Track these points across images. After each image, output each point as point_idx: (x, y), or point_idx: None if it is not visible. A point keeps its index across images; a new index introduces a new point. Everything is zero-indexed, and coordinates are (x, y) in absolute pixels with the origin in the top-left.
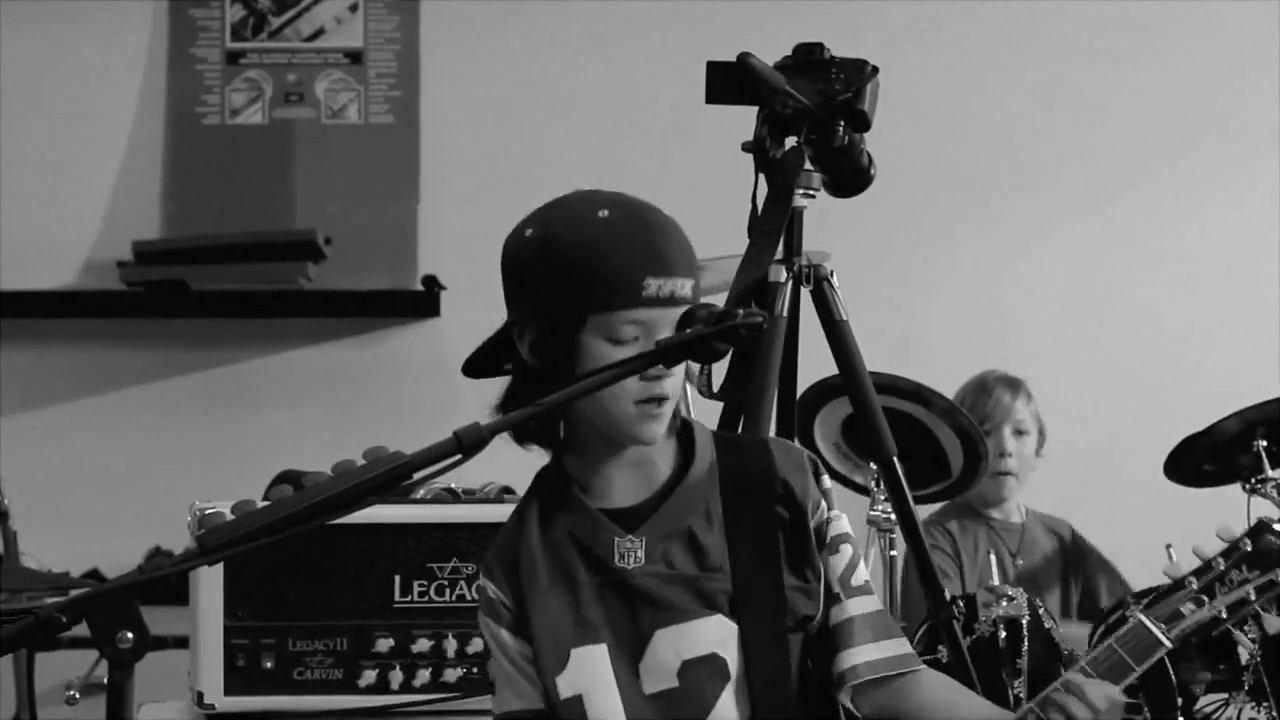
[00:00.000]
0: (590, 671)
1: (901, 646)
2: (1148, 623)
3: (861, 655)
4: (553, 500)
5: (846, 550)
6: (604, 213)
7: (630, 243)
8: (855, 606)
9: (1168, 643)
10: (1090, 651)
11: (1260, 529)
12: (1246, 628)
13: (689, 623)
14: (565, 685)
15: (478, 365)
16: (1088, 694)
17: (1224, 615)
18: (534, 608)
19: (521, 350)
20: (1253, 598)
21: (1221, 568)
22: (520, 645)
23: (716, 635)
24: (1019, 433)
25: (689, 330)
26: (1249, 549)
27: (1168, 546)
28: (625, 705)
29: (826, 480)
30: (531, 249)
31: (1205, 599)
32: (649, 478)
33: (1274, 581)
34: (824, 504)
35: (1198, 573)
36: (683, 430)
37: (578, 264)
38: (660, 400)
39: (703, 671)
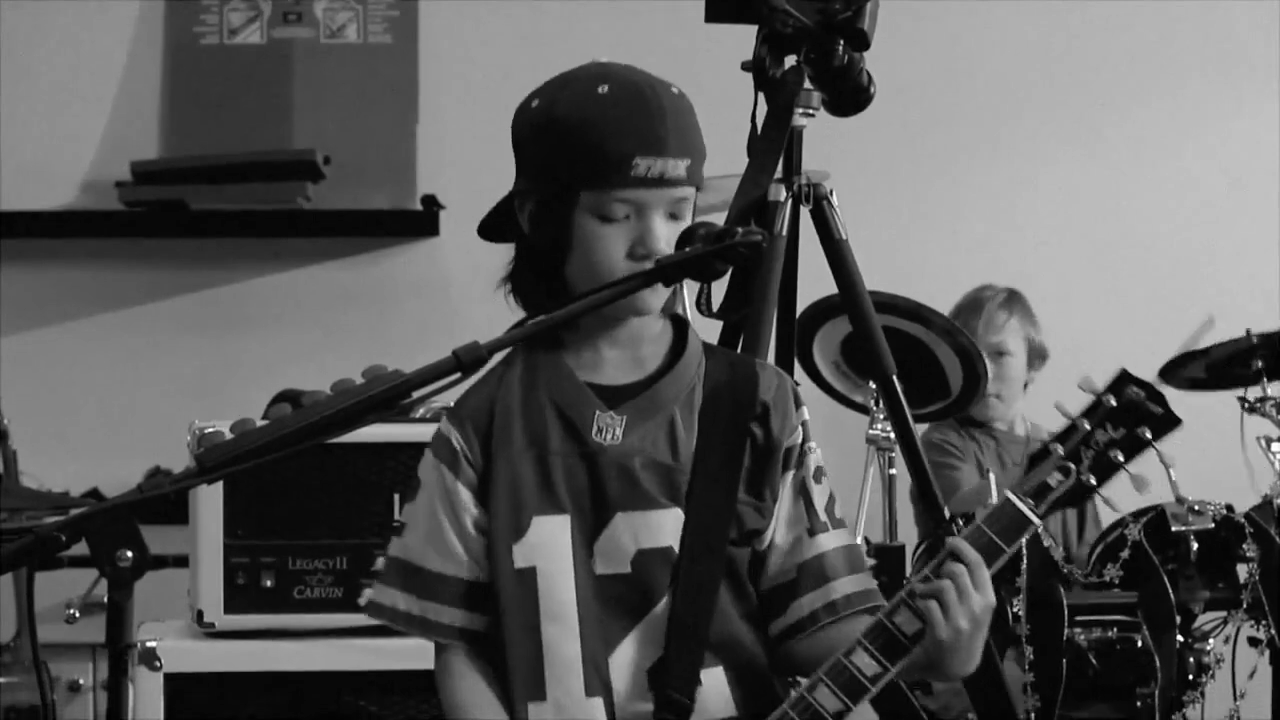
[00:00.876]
0: (549, 542)
1: (872, 581)
2: (1015, 500)
3: (850, 585)
4: (538, 364)
5: (826, 483)
6: (604, 88)
7: (623, 121)
8: (840, 539)
9: (1035, 519)
10: (961, 535)
11: (1122, 380)
12: (1245, 546)
13: (652, 511)
14: (520, 555)
15: (489, 228)
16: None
17: (1093, 482)
18: (499, 469)
19: (522, 221)
20: (1120, 460)
21: (1086, 428)
22: (477, 509)
23: (674, 529)
24: (999, 354)
25: (688, 249)
26: (1113, 404)
27: (1166, 466)
28: (576, 582)
29: (805, 412)
30: (533, 121)
31: (1071, 466)
32: (640, 361)
33: (1138, 439)
34: (800, 432)
35: (1062, 436)
36: (676, 324)
37: (571, 140)
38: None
39: (656, 563)
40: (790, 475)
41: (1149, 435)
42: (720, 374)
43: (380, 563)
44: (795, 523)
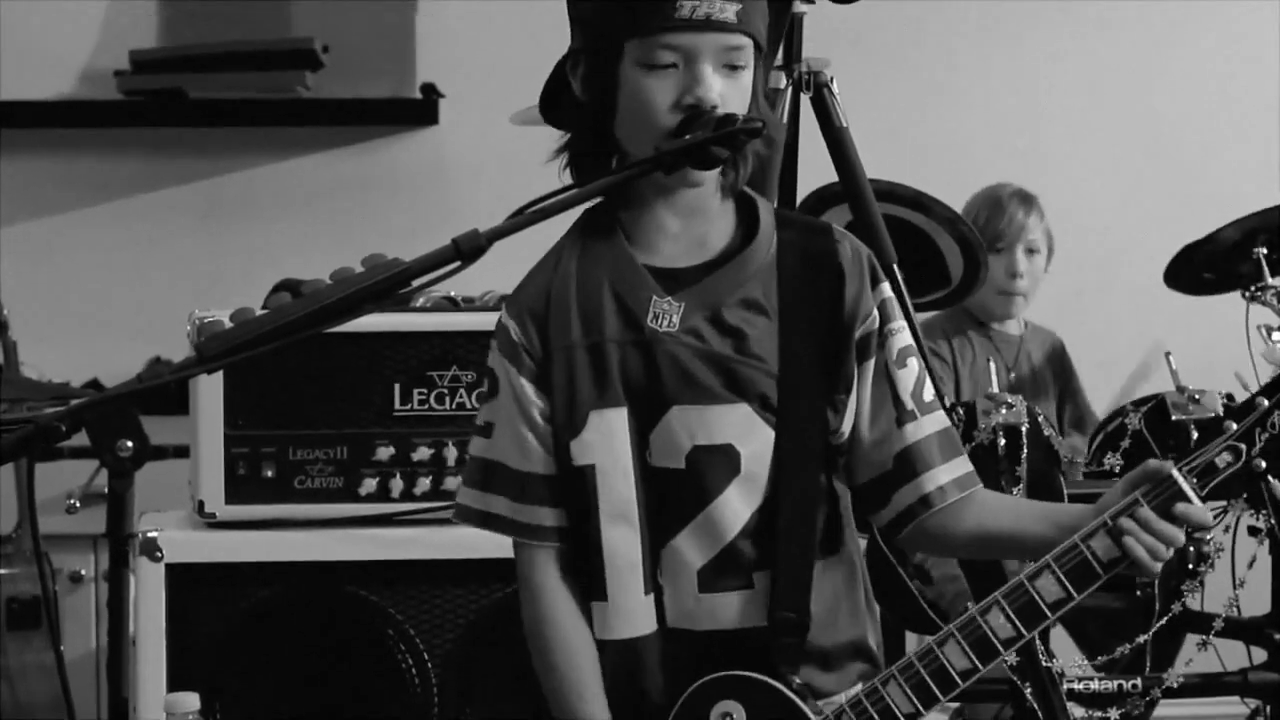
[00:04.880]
0: (606, 438)
1: (968, 463)
2: (1179, 479)
3: (945, 475)
4: (596, 246)
5: (914, 364)
6: None
7: None
8: (932, 424)
9: (1197, 501)
10: (1113, 500)
11: None
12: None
13: (710, 406)
14: (579, 451)
15: (550, 109)
16: (1155, 527)
17: (1263, 467)
18: (557, 361)
19: (575, 86)
20: None
21: (1264, 407)
22: (541, 400)
23: (736, 426)
24: (1031, 251)
25: (688, 136)
26: None
27: (1167, 354)
28: (635, 477)
29: (886, 288)
30: None
31: (1242, 447)
32: (701, 240)
33: None
34: (876, 315)
35: (1237, 412)
36: (742, 200)
37: None
38: None
39: (712, 461)
40: (871, 363)
41: None
42: (796, 245)
43: (467, 465)
44: (882, 413)
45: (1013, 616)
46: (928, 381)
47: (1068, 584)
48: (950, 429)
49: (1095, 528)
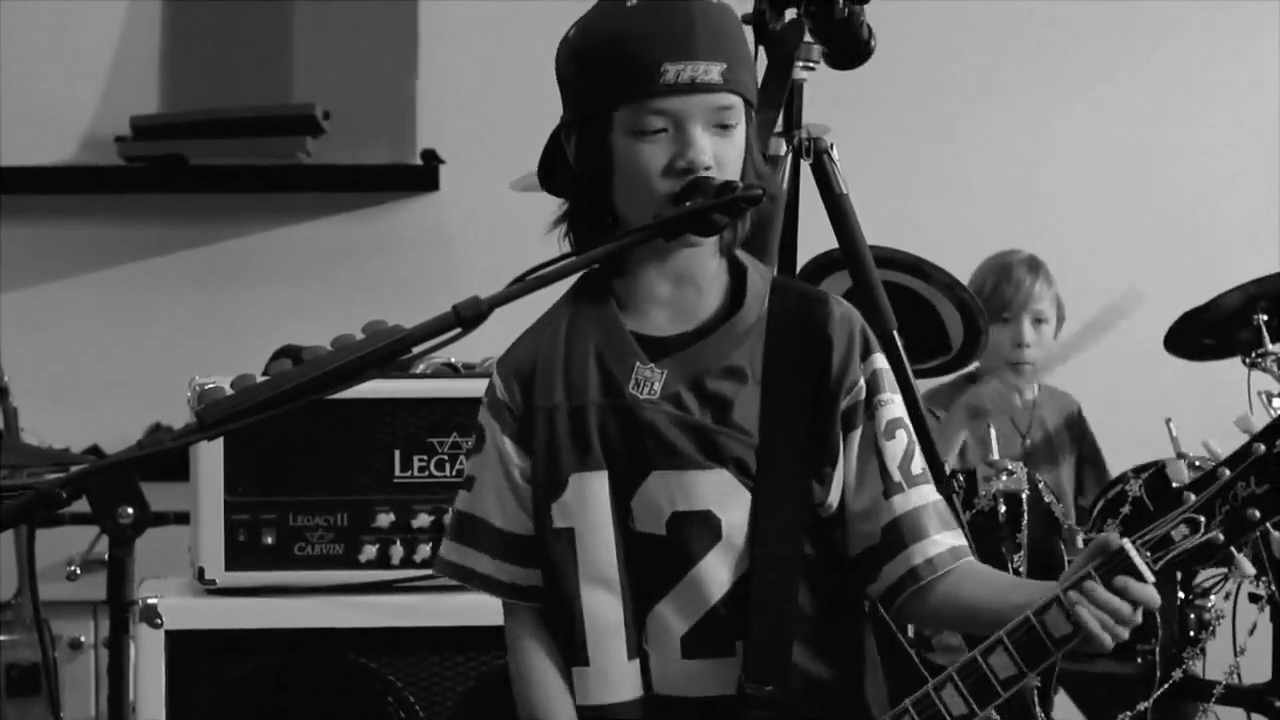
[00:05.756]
0: (586, 501)
1: (959, 537)
2: (1132, 553)
3: (933, 548)
4: (587, 311)
5: (903, 436)
6: (632, 1)
7: (648, 29)
8: (920, 496)
9: (1150, 577)
10: (1069, 574)
11: (1277, 429)
12: None
13: (688, 472)
14: (559, 514)
15: (549, 178)
16: (1099, 597)
17: (1221, 540)
18: (539, 422)
19: (569, 156)
20: (1257, 518)
21: (1226, 478)
22: (522, 460)
23: (715, 492)
24: (1038, 321)
25: (688, 203)
26: (1262, 453)
27: (1168, 421)
28: (616, 541)
29: (879, 360)
30: (567, 50)
31: (1201, 520)
32: (691, 308)
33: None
34: (863, 386)
35: (1198, 483)
36: (736, 268)
37: (599, 57)
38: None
39: (692, 528)
40: (858, 434)
41: None
42: (788, 313)
43: (449, 517)
44: (869, 485)
45: (965, 693)
46: (918, 454)
47: (1018, 659)
48: (940, 502)
49: (1049, 601)
